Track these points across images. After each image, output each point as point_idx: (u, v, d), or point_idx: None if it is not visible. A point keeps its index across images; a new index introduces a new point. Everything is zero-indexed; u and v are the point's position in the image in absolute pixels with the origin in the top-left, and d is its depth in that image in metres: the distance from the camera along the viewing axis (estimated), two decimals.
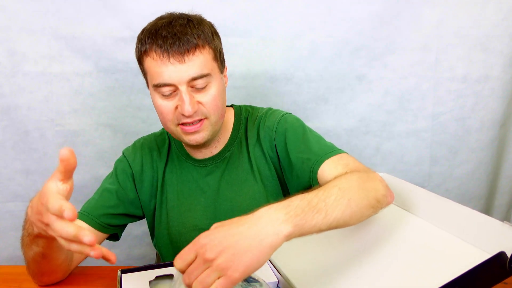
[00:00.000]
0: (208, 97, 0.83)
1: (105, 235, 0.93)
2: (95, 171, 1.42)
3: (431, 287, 0.54)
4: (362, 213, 0.67)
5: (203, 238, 0.55)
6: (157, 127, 1.04)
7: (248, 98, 1.42)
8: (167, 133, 0.99)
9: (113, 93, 1.39)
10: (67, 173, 0.56)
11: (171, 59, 0.79)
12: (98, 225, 0.90)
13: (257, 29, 1.37)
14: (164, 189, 0.98)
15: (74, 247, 0.55)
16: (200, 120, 0.84)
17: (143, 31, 0.84)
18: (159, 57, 0.79)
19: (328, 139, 0.92)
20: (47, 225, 0.57)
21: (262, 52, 1.39)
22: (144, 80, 0.88)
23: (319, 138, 0.91)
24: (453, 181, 1.51)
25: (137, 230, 1.43)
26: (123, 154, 1.01)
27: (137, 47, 0.84)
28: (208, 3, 1.33)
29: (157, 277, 0.78)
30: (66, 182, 0.56)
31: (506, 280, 0.54)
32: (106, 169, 1.37)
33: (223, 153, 0.96)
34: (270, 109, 0.98)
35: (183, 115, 0.82)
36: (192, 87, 0.82)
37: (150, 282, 0.77)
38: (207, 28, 0.84)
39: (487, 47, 1.40)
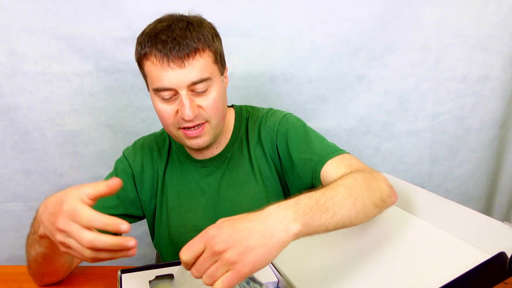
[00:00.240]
0: (208, 101, 0.83)
1: None
2: (95, 171, 1.43)
3: (431, 287, 0.54)
4: (367, 212, 0.67)
5: (212, 230, 0.55)
6: (157, 127, 1.04)
7: (248, 98, 1.42)
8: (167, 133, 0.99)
9: (113, 93, 1.39)
10: (100, 197, 0.59)
11: (171, 64, 0.78)
12: None
13: (257, 29, 1.37)
14: (165, 189, 0.98)
15: (104, 255, 0.57)
16: (201, 124, 0.84)
17: (142, 34, 0.83)
18: (159, 61, 0.79)
19: (328, 139, 0.92)
20: (61, 231, 0.57)
21: (262, 52, 1.39)
22: (144, 81, 0.88)
23: (321, 139, 0.91)
24: (453, 181, 1.51)
25: (137, 230, 1.43)
26: (123, 154, 1.01)
27: (136, 50, 0.84)
28: (208, 3, 1.33)
29: (157, 277, 0.78)
30: (93, 201, 0.59)
31: (506, 280, 0.54)
32: (106, 169, 1.38)
33: (224, 154, 0.96)
34: (271, 109, 0.98)
35: (183, 119, 0.82)
36: (192, 91, 0.81)
37: (150, 282, 0.77)
38: (207, 31, 0.83)
39: (487, 47, 1.40)
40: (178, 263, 0.81)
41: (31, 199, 1.42)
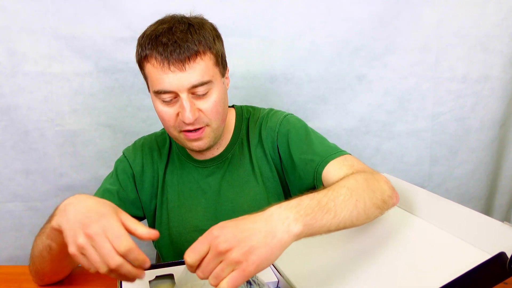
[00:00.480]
0: (209, 104, 0.83)
1: None
2: (95, 171, 1.42)
3: (431, 287, 0.54)
4: (368, 213, 0.67)
5: (216, 230, 0.56)
6: (157, 127, 1.04)
7: (248, 98, 1.42)
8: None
9: (113, 93, 1.39)
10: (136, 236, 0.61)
11: (172, 67, 0.78)
12: None
13: (257, 29, 1.37)
14: (165, 189, 0.98)
15: (113, 275, 0.59)
16: (201, 127, 0.84)
17: (143, 35, 0.83)
18: (160, 64, 0.78)
19: (328, 139, 0.92)
20: (89, 237, 0.58)
21: (262, 52, 1.39)
22: (145, 82, 0.88)
23: (322, 139, 0.91)
24: (453, 181, 1.51)
25: None
26: (123, 154, 1.00)
27: (137, 51, 0.83)
28: (208, 3, 1.33)
29: (157, 277, 0.78)
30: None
31: (506, 280, 0.54)
32: (106, 169, 1.37)
33: (224, 154, 0.96)
34: (271, 109, 0.98)
35: (184, 122, 0.82)
36: (193, 93, 0.81)
37: (150, 282, 0.77)
38: (209, 33, 0.82)
39: (487, 47, 1.40)
40: (178, 263, 0.81)
41: (31, 199, 1.42)
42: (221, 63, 0.86)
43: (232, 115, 0.99)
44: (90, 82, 1.37)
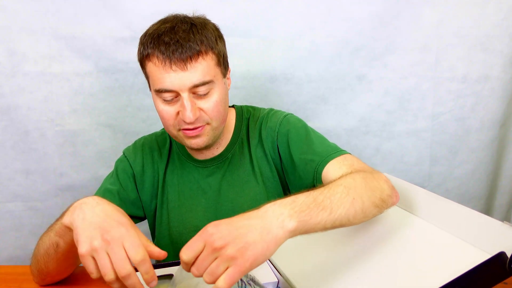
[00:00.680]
0: (210, 104, 0.83)
1: None
2: (95, 171, 1.42)
3: (431, 287, 0.54)
4: (366, 212, 0.67)
5: (211, 228, 0.56)
6: (157, 127, 1.04)
7: (248, 98, 1.42)
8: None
9: (113, 93, 1.39)
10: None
11: (173, 66, 0.78)
12: None
13: (257, 29, 1.37)
14: (165, 189, 0.98)
15: (116, 285, 0.60)
16: (201, 125, 0.84)
17: (145, 34, 0.83)
18: (161, 63, 0.79)
19: (328, 139, 0.92)
20: (106, 242, 0.58)
21: (262, 52, 1.39)
22: (146, 80, 0.88)
23: (322, 139, 0.91)
24: (453, 181, 1.51)
25: None
26: (123, 154, 1.01)
27: (139, 50, 0.84)
28: (208, 3, 1.33)
29: (157, 277, 0.78)
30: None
31: (506, 280, 0.54)
32: (106, 169, 1.37)
33: (224, 154, 0.96)
34: (271, 109, 0.98)
35: (184, 121, 0.82)
36: (194, 93, 0.81)
37: None
38: (211, 33, 0.82)
39: (487, 47, 1.40)
40: (178, 263, 0.81)
41: (31, 199, 1.42)
42: (222, 63, 0.86)
43: (232, 115, 0.99)
44: (90, 82, 1.37)
